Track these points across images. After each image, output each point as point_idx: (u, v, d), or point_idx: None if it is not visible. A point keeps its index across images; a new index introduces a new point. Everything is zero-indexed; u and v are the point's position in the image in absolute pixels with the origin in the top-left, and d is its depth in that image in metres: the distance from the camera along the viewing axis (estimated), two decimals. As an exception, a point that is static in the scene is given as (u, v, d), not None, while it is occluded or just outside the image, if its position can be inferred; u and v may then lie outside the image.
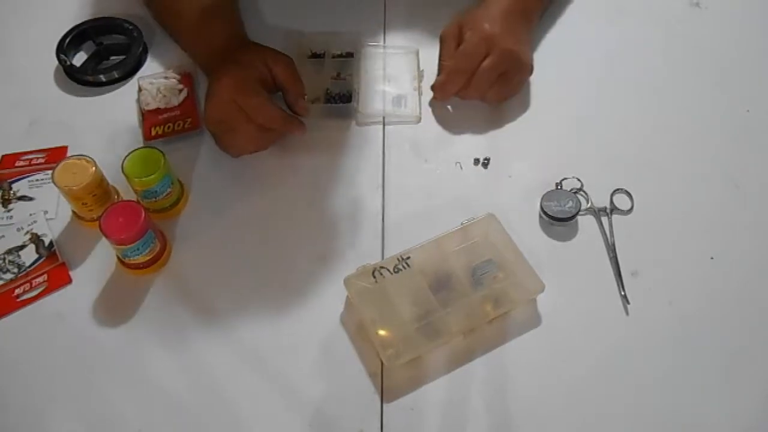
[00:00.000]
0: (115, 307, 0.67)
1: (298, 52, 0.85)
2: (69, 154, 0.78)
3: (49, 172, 0.73)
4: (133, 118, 0.80)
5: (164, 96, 0.80)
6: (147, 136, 0.78)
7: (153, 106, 0.80)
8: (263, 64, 0.73)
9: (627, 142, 0.79)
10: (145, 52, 0.87)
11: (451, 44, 0.79)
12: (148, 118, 0.79)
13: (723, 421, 0.61)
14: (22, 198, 0.75)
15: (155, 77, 0.82)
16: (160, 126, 0.78)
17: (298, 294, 0.68)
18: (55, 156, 0.77)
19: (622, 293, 0.67)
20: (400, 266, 0.66)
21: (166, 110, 0.79)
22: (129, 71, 0.85)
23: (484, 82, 0.76)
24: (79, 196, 0.68)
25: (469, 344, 0.65)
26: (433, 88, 0.79)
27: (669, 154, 0.78)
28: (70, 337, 0.66)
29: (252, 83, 0.71)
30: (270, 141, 0.75)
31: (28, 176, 0.76)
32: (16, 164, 0.77)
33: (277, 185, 0.76)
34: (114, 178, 0.72)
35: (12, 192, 0.75)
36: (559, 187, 0.74)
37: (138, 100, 0.81)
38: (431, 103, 0.82)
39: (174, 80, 0.82)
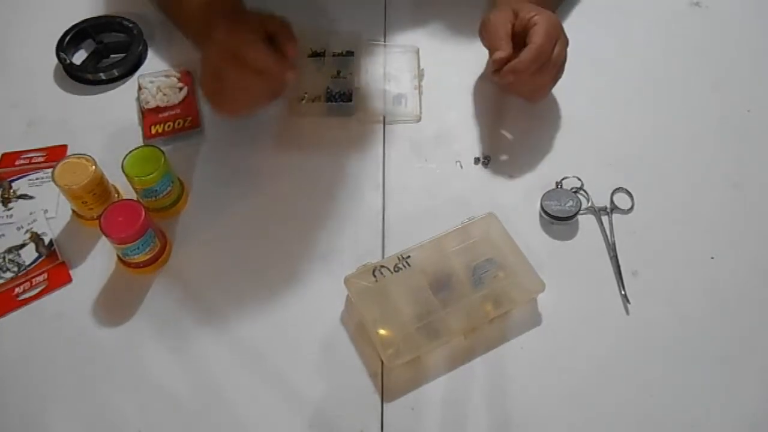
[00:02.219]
0: (115, 306, 0.67)
1: (298, 51, 0.85)
2: (69, 152, 0.77)
3: (49, 170, 0.73)
4: (133, 116, 0.80)
5: (164, 94, 0.80)
6: (147, 135, 0.78)
7: (153, 104, 0.79)
8: (258, 22, 0.71)
9: (627, 142, 0.79)
10: (145, 50, 0.86)
11: (506, 27, 0.74)
12: (148, 116, 0.79)
13: (723, 421, 0.61)
14: (22, 197, 0.75)
15: (155, 75, 0.82)
16: (160, 124, 0.78)
17: (298, 293, 0.68)
18: (55, 155, 0.77)
19: (623, 293, 0.67)
20: (401, 265, 0.66)
21: (166, 108, 0.79)
22: (129, 69, 0.84)
23: (556, 70, 0.74)
24: (79, 195, 0.68)
25: (469, 344, 0.65)
26: (501, 70, 0.72)
27: (669, 153, 0.78)
28: (70, 336, 0.66)
29: (245, 31, 0.69)
30: (264, 91, 0.72)
31: (28, 175, 0.76)
32: (16, 163, 0.77)
33: (277, 184, 0.75)
34: (114, 176, 0.72)
35: (12, 191, 0.75)
36: (559, 187, 0.74)
37: (138, 99, 0.81)
38: (431, 102, 0.81)
39: (174, 78, 0.82)
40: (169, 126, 0.78)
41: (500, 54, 0.72)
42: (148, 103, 0.80)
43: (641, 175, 0.76)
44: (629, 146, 0.78)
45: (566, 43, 0.74)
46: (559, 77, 0.76)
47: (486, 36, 0.76)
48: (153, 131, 0.78)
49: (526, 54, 0.71)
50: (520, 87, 0.77)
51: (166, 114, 0.79)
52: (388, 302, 0.65)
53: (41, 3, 0.92)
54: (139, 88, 0.81)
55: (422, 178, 0.76)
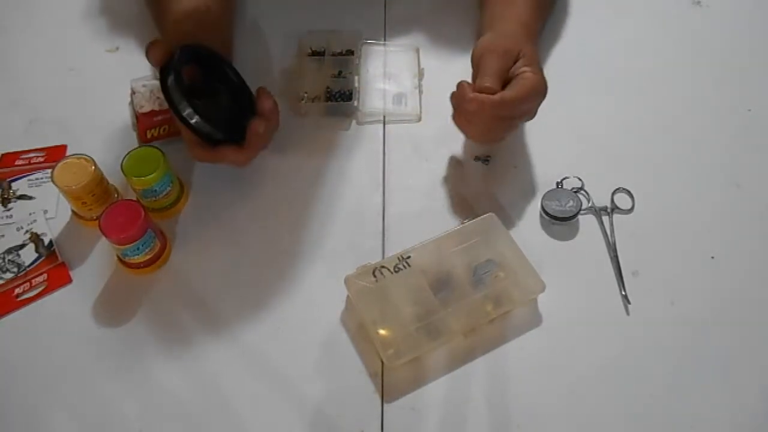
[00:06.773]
0: (114, 306, 0.67)
1: (298, 50, 0.85)
2: (68, 153, 0.77)
3: (49, 171, 0.73)
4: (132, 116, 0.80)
5: (158, 98, 0.77)
6: (143, 139, 0.76)
7: (147, 108, 0.77)
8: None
9: (628, 142, 0.79)
10: None
11: (501, 65, 0.70)
12: (143, 121, 0.77)
13: (723, 421, 0.61)
14: (22, 197, 0.75)
15: (147, 79, 0.79)
16: (155, 128, 0.77)
17: (298, 294, 0.68)
18: (54, 155, 0.77)
19: (623, 293, 0.67)
20: (401, 266, 0.66)
21: (161, 112, 0.77)
22: None
23: (514, 126, 0.74)
24: (79, 195, 0.68)
25: (469, 344, 0.65)
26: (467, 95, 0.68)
27: (670, 153, 0.78)
28: (70, 336, 0.66)
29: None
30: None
31: (27, 175, 0.76)
32: (16, 163, 0.77)
33: (277, 184, 0.75)
34: (114, 177, 0.72)
35: (12, 191, 0.75)
36: (559, 186, 0.74)
37: (131, 104, 0.79)
38: (432, 102, 0.81)
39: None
40: (164, 129, 0.77)
41: (486, 84, 0.67)
42: (142, 107, 0.77)
43: (642, 175, 0.76)
44: (630, 146, 0.78)
45: (535, 109, 0.70)
46: (511, 132, 0.74)
47: (480, 64, 0.70)
48: (149, 135, 0.76)
49: (499, 96, 0.66)
50: (473, 120, 0.70)
51: (161, 117, 0.77)
52: (388, 302, 0.65)
53: (42, 2, 0.92)
54: (132, 93, 0.79)
55: (422, 177, 0.76)
